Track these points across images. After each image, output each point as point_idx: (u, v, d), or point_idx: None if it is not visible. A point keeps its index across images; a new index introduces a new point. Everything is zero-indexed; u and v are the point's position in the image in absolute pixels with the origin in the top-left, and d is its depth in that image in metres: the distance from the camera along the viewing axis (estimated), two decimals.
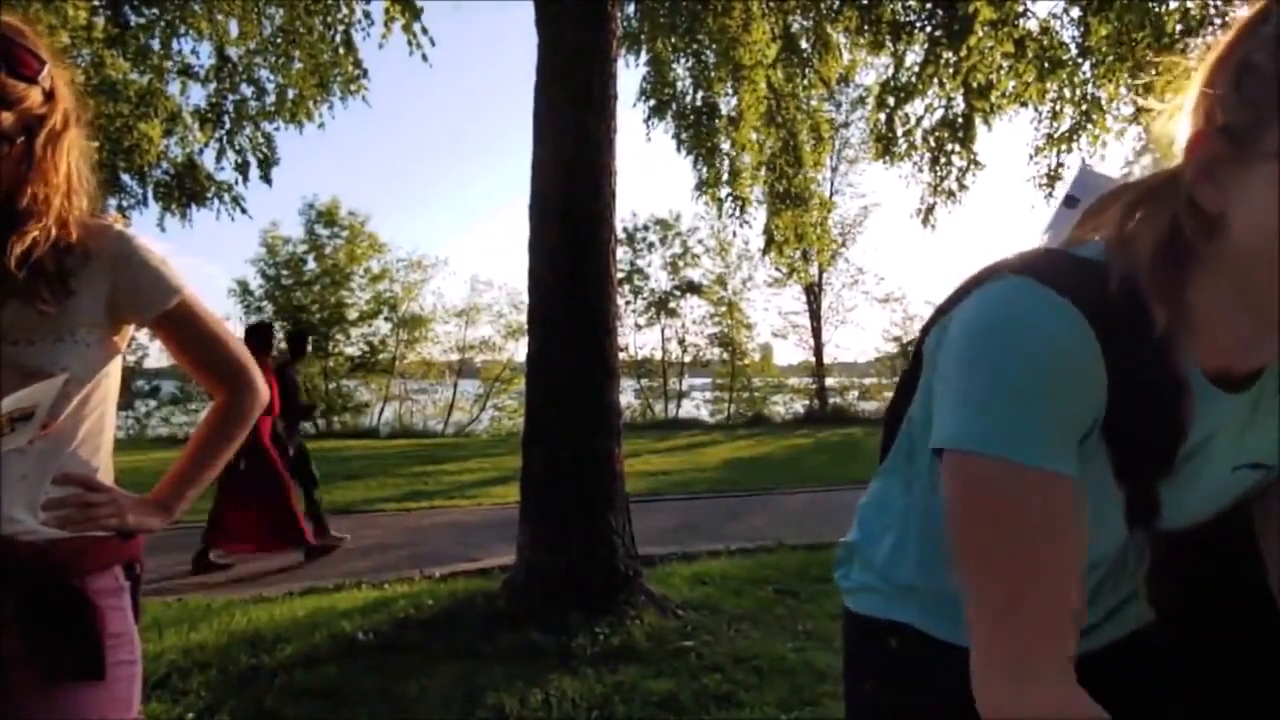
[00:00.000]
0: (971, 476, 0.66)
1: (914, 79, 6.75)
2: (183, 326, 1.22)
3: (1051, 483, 0.64)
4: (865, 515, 0.99)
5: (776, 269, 17.03)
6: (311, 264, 20.96)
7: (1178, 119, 0.67)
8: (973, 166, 6.98)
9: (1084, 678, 0.84)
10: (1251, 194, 0.60)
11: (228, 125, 7.15)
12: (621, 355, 5.52)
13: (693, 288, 23.20)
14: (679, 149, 7.97)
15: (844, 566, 1.01)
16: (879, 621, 0.91)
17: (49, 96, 1.08)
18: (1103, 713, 0.64)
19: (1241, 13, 0.64)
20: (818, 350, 23.93)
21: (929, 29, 6.49)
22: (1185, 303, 0.66)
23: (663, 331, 23.72)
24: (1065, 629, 0.65)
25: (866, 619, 0.94)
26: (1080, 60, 6.30)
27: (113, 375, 1.20)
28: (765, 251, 8.85)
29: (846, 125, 21.53)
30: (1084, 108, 6.51)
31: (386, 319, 21.72)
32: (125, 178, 7.19)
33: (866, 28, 6.72)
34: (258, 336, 5.90)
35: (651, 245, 23.09)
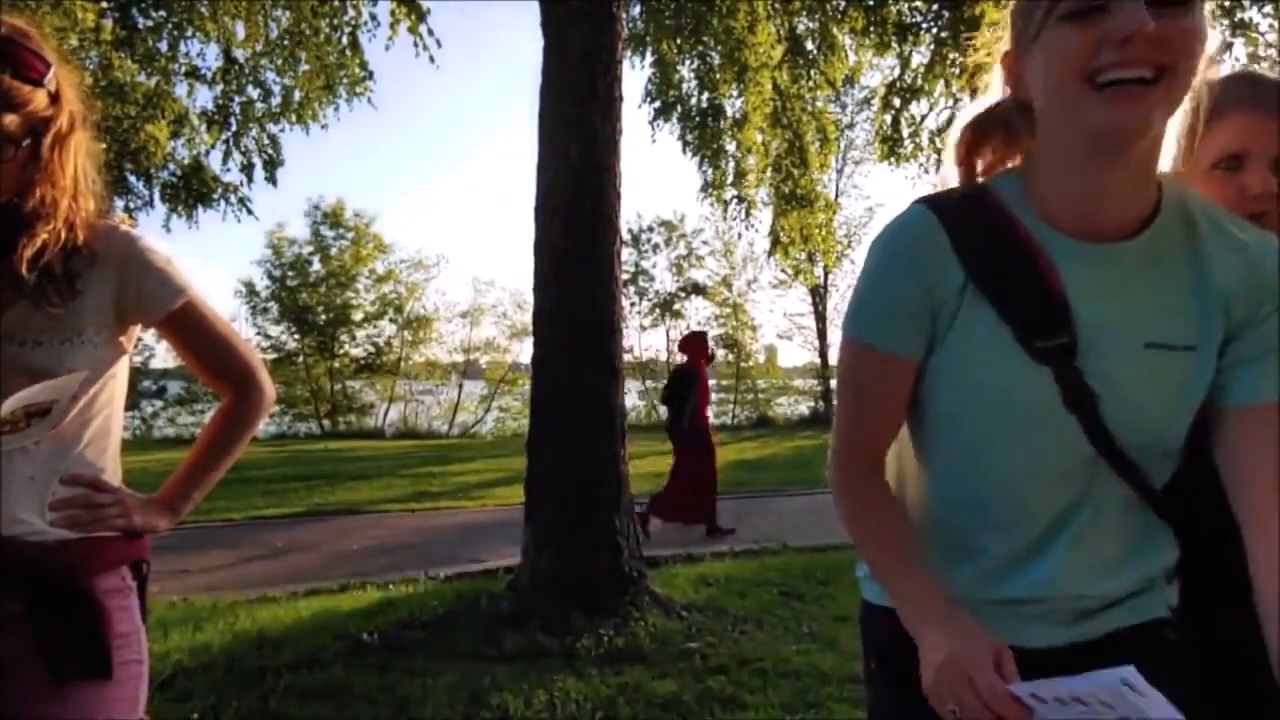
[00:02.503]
0: (843, 344, 0.95)
1: (920, 80, 6.74)
2: (189, 327, 1.22)
3: (881, 358, 0.91)
4: None
5: (782, 270, 16.96)
6: (317, 265, 20.99)
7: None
8: None
9: (1102, 657, 0.87)
10: (1034, 65, 0.81)
11: (234, 127, 7.16)
12: (626, 357, 5.53)
13: (697, 289, 23.19)
14: (684, 150, 7.98)
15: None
16: (878, 607, 1.00)
17: (54, 99, 1.08)
18: (878, 512, 0.95)
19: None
20: (823, 352, 23.88)
21: (934, 30, 6.48)
22: (1030, 175, 0.87)
23: (667, 333, 23.69)
24: (877, 452, 0.97)
25: (870, 605, 1.04)
26: None
27: (119, 376, 1.20)
28: (770, 253, 8.84)
29: (852, 126, 21.49)
30: None
31: (391, 320, 21.77)
32: (131, 179, 7.21)
33: (872, 29, 6.71)
34: (696, 342, 7.06)
35: (656, 246, 23.09)
